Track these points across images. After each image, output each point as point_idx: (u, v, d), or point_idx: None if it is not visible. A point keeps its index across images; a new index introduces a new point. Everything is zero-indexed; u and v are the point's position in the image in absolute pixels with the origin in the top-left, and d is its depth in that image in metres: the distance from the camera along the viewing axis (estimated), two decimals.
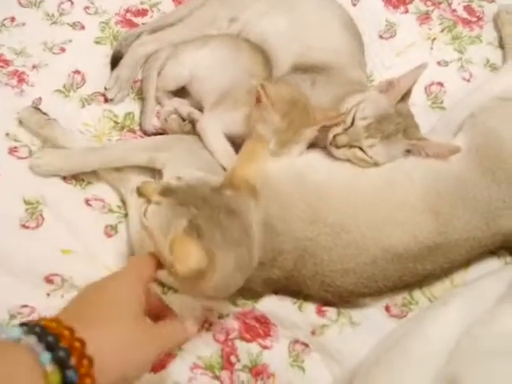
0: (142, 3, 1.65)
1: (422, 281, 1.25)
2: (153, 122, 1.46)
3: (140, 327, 0.83)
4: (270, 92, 1.20)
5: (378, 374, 0.97)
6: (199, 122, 1.35)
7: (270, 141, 1.23)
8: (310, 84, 1.34)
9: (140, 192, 1.06)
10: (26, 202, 1.30)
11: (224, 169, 1.25)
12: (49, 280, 1.22)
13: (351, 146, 1.23)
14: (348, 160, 1.25)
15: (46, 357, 0.70)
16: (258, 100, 1.22)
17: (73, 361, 0.71)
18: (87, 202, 1.33)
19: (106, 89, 1.46)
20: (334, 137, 1.24)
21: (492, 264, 1.29)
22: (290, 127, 1.22)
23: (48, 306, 1.17)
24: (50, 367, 0.70)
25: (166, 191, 1.05)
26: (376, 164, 1.23)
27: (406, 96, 1.27)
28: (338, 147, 1.24)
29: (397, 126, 1.23)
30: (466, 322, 0.98)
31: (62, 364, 0.71)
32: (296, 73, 1.39)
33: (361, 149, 1.22)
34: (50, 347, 0.71)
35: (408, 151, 1.25)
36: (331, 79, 1.37)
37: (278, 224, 1.15)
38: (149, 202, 1.04)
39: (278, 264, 1.16)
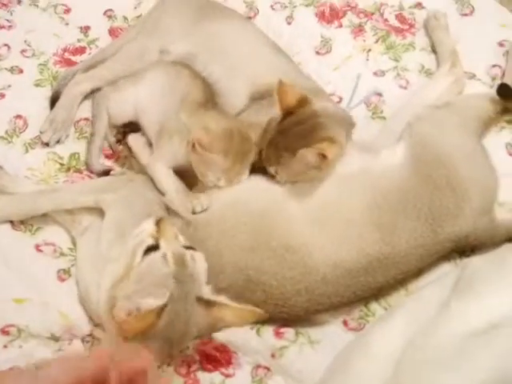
0: (79, 41, 1.66)
1: (377, 293, 1.27)
2: (100, 160, 1.46)
3: None
4: (204, 141, 1.21)
5: None
6: (148, 164, 1.35)
7: (219, 179, 1.25)
8: (268, 107, 1.35)
9: (158, 227, 1.08)
10: None
11: (172, 209, 1.26)
12: (4, 332, 1.21)
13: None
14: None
15: None
16: (193, 146, 1.23)
17: None
18: (37, 247, 1.32)
19: (40, 132, 1.46)
20: None
21: (444, 268, 1.31)
22: (235, 162, 1.25)
23: (6, 357, 1.17)
24: None
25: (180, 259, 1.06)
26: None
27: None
28: None
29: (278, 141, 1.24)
30: (410, 331, 1.01)
31: None
32: (254, 102, 1.41)
33: None
34: None
35: None
36: None
37: (215, 263, 1.16)
38: (156, 240, 1.06)
39: None
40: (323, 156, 1.17)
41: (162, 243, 1.07)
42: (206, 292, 1.08)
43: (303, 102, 1.23)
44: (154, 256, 1.05)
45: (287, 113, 1.22)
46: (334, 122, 1.26)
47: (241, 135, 1.25)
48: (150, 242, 1.07)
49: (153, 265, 1.05)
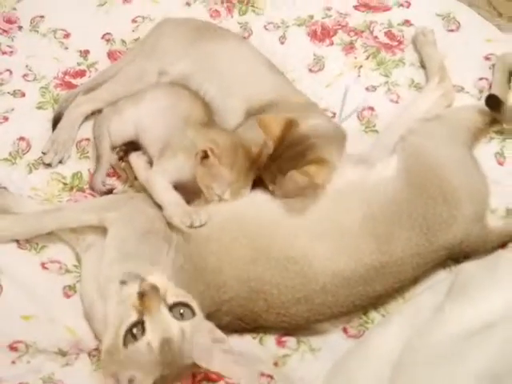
0: (78, 64, 1.70)
1: (375, 302, 1.30)
2: (104, 180, 1.50)
3: None
4: (216, 152, 1.26)
5: None
6: (147, 177, 1.38)
7: (224, 192, 1.28)
8: None
9: (143, 294, 1.06)
10: None
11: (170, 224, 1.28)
12: (12, 348, 1.24)
13: None
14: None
15: None
16: (203, 158, 1.27)
17: None
18: (43, 265, 1.36)
19: (43, 153, 1.50)
20: None
21: (439, 276, 1.34)
22: (239, 175, 1.29)
23: (15, 373, 1.20)
24: None
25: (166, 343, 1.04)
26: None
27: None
28: None
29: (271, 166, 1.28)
30: (406, 335, 1.04)
31: None
32: (250, 118, 1.45)
33: None
34: None
35: None
36: (281, 111, 1.42)
37: (215, 278, 1.21)
38: (140, 314, 1.05)
39: (224, 311, 1.21)
40: (311, 178, 1.22)
41: (147, 322, 1.05)
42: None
43: (288, 127, 1.27)
44: (139, 344, 1.04)
45: (279, 141, 1.26)
46: (325, 141, 1.30)
47: (244, 150, 1.30)
48: (134, 317, 1.06)
49: (137, 353, 1.04)
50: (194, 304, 1.11)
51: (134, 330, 1.05)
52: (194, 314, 1.09)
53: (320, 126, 1.35)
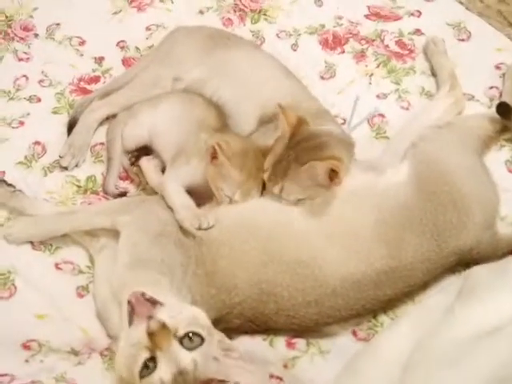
0: (93, 71, 1.73)
1: (385, 305, 1.31)
2: (116, 183, 1.52)
3: None
4: (225, 149, 1.28)
5: None
6: (161, 182, 1.40)
7: (234, 194, 1.30)
8: (275, 130, 1.39)
9: (152, 332, 1.06)
10: None
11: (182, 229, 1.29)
12: (26, 346, 1.26)
13: None
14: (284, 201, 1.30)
15: None
16: (213, 157, 1.29)
17: None
18: (57, 266, 1.38)
19: (60, 157, 1.53)
20: None
21: (448, 281, 1.35)
22: (249, 177, 1.31)
23: (28, 372, 1.22)
24: None
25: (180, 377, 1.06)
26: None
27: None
28: None
29: (288, 154, 1.27)
30: (416, 336, 1.04)
31: None
32: (262, 125, 1.46)
33: None
34: None
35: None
36: None
37: (226, 281, 1.22)
38: (151, 351, 1.06)
39: (235, 314, 1.23)
40: (332, 173, 1.22)
41: (158, 358, 1.06)
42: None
43: (302, 120, 1.29)
44: (152, 380, 1.06)
45: (292, 132, 1.27)
46: (337, 142, 1.31)
47: (255, 153, 1.32)
48: (146, 355, 1.07)
49: None
50: (204, 328, 1.11)
51: (148, 364, 1.07)
52: (203, 339, 1.10)
53: (331, 129, 1.36)
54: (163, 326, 1.07)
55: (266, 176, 1.29)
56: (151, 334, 1.06)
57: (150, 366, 1.06)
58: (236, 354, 1.12)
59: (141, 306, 1.11)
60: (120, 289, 1.21)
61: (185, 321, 1.10)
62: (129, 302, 1.12)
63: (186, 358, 1.07)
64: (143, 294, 1.12)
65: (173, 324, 1.08)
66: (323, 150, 1.26)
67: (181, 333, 1.08)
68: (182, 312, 1.12)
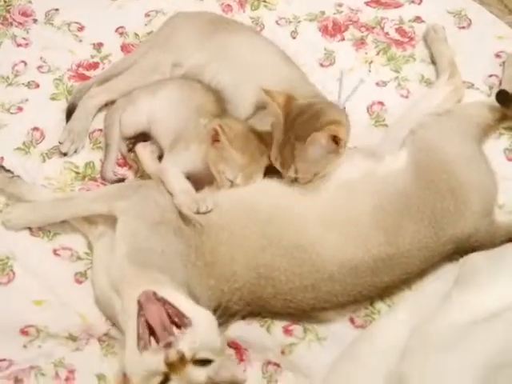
0: (92, 57, 1.72)
1: (382, 292, 1.31)
2: (114, 169, 1.52)
3: None
4: (227, 131, 1.28)
5: (333, 382, 1.03)
6: (161, 167, 1.40)
7: (236, 177, 1.29)
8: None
9: (170, 363, 1.04)
10: None
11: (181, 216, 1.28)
12: (24, 332, 1.26)
13: None
14: (296, 183, 1.30)
15: None
16: (214, 140, 1.29)
17: None
18: (55, 252, 1.38)
19: (59, 143, 1.53)
20: None
21: (446, 269, 1.34)
22: (251, 160, 1.30)
23: (26, 357, 1.23)
24: None
25: None
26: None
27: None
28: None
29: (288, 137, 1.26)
30: (413, 323, 1.05)
31: None
32: (259, 111, 1.46)
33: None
34: None
35: None
36: None
37: (225, 269, 1.22)
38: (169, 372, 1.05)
39: (234, 301, 1.23)
40: (335, 138, 1.21)
41: (173, 379, 1.06)
42: None
43: (289, 98, 1.28)
44: None
45: (285, 112, 1.26)
46: (332, 106, 1.31)
47: (256, 137, 1.32)
48: (160, 378, 1.06)
49: None
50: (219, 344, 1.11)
51: None
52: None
53: (322, 97, 1.36)
54: (182, 355, 1.05)
55: (277, 165, 1.28)
56: (170, 365, 1.05)
57: None
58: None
59: (161, 329, 1.07)
60: (119, 281, 1.21)
61: (204, 344, 1.08)
62: (138, 302, 1.10)
63: (201, 375, 1.07)
64: (154, 294, 1.11)
65: (192, 351, 1.06)
66: (320, 117, 1.25)
67: (198, 357, 1.08)
68: (202, 331, 1.10)
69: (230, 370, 1.13)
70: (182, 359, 1.05)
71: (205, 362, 1.08)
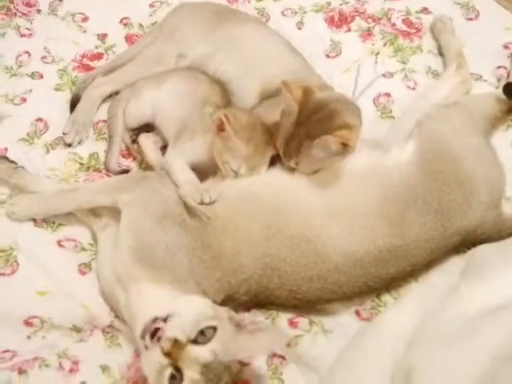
0: (96, 47, 1.72)
1: (388, 284, 1.30)
2: (118, 160, 1.51)
3: None
4: (232, 121, 1.26)
5: (339, 372, 1.02)
6: (166, 158, 1.39)
7: (240, 167, 1.28)
8: (277, 105, 1.36)
9: (167, 352, 1.06)
10: (0, 250, 1.34)
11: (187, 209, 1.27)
12: (28, 323, 1.26)
13: None
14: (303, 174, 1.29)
15: None
16: (219, 129, 1.28)
17: None
18: (59, 243, 1.38)
19: (64, 134, 1.52)
20: None
21: (453, 261, 1.33)
22: (256, 151, 1.29)
23: (30, 348, 1.22)
24: None
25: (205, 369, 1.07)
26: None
27: None
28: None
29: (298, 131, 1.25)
30: (419, 315, 1.04)
31: None
32: (264, 101, 1.45)
33: None
34: None
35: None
36: None
37: (232, 261, 1.21)
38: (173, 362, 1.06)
39: (242, 292, 1.23)
40: (344, 143, 1.20)
41: (181, 366, 1.07)
42: None
43: (308, 92, 1.26)
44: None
45: (300, 105, 1.25)
46: (346, 107, 1.28)
47: (262, 127, 1.30)
48: (170, 370, 1.07)
49: None
50: (212, 317, 1.12)
51: (175, 375, 1.08)
52: (215, 328, 1.11)
53: (337, 94, 1.34)
54: (175, 341, 1.07)
55: (280, 152, 1.27)
56: (168, 354, 1.07)
57: (176, 376, 1.07)
58: (248, 325, 1.13)
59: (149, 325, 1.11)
60: (123, 274, 1.21)
61: (192, 322, 1.10)
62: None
63: (205, 352, 1.08)
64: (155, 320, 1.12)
65: (183, 334, 1.08)
66: (333, 118, 1.23)
67: (193, 336, 1.09)
68: (186, 312, 1.12)
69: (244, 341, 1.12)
70: (177, 344, 1.06)
71: (205, 340, 1.09)
